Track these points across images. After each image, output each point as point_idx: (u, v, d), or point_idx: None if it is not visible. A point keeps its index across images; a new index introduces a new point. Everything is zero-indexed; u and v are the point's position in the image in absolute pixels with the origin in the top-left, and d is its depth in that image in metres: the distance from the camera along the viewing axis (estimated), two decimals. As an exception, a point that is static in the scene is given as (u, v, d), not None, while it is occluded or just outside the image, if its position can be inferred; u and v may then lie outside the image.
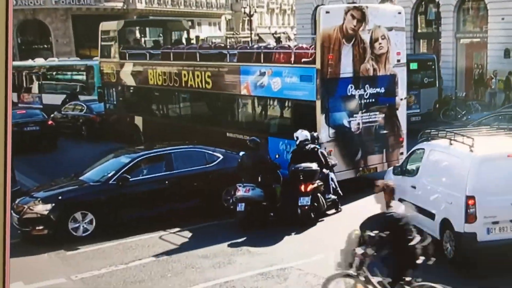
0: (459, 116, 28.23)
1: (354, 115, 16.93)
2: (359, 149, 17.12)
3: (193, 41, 29.00)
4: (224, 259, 12.52)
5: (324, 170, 15.22)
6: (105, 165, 15.80)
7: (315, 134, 15.83)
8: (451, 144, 12.45)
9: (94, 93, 30.52)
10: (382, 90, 17.32)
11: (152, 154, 16.25)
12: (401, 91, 17.73)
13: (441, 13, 37.20)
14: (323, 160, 15.15)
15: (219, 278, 11.51)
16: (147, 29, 29.05)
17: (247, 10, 41.26)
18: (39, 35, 58.56)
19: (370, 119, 17.22)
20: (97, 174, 15.36)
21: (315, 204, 14.65)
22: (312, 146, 15.35)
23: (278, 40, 20.33)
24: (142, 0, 61.86)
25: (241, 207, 14.58)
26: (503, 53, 34.03)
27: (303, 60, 17.28)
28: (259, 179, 14.95)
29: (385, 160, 17.53)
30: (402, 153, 17.53)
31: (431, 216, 12.39)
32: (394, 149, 17.69)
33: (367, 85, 17.01)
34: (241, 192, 14.66)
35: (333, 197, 15.35)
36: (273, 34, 37.11)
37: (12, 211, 14.09)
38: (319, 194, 14.81)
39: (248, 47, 20.78)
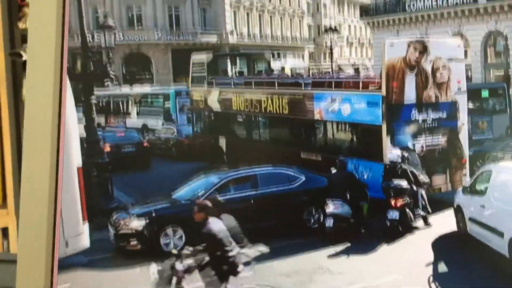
0: None
1: (418, 138, 17.58)
2: (423, 170, 17.53)
3: (278, 71, 30.00)
4: (305, 278, 12.77)
5: (414, 187, 15.76)
6: (196, 184, 16.29)
7: (405, 154, 16.62)
8: None
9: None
10: (444, 115, 18.05)
11: (239, 175, 16.54)
12: (462, 116, 18.45)
13: (509, 45, 36.98)
14: (412, 178, 15.77)
15: None
16: (234, 60, 30.28)
17: (327, 43, 41.98)
18: (141, 66, 61.32)
19: (433, 142, 17.88)
20: (188, 192, 15.88)
21: (403, 218, 15.23)
22: (403, 165, 16.12)
23: (356, 70, 21.03)
24: (234, 34, 63.89)
25: (330, 222, 15.24)
26: None
27: (370, 87, 17.88)
28: (348, 197, 15.55)
29: (448, 180, 18.09)
30: (465, 175, 18.09)
31: (501, 234, 12.49)
32: (457, 171, 18.22)
33: (429, 110, 17.78)
34: (330, 208, 15.28)
35: (422, 213, 15.86)
36: (352, 64, 37.89)
37: (109, 226, 15.13)
38: (407, 210, 15.33)
39: (320, 77, 21.61)
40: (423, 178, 16.54)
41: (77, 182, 12.13)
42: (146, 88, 43.32)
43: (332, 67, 43.44)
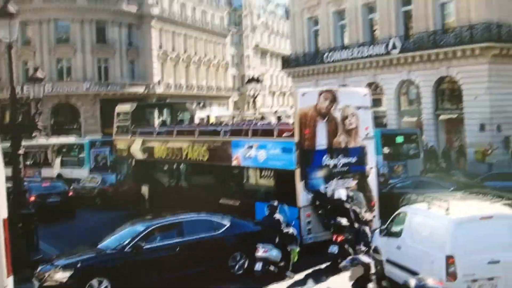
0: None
1: (329, 182, 18.13)
2: (334, 213, 17.77)
3: (203, 120, 30.38)
4: None
5: (356, 224, 16.35)
6: (122, 233, 15.86)
7: (351, 194, 17.41)
8: (429, 208, 13.15)
9: (85, 166, 34.36)
10: (354, 160, 18.71)
11: (164, 223, 16.04)
12: (370, 160, 19.08)
13: (420, 93, 38.70)
14: (353, 217, 16.33)
15: None
16: (157, 110, 30.55)
17: (251, 93, 42.77)
18: (70, 117, 60.80)
19: (344, 185, 18.30)
20: (114, 242, 15.39)
21: (342, 253, 15.60)
22: (346, 204, 16.73)
23: (279, 118, 21.44)
24: (160, 85, 64.17)
25: (258, 266, 15.41)
26: (478, 127, 34.93)
27: (284, 134, 18.36)
28: (276, 241, 15.77)
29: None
30: (374, 216, 18.64)
31: (416, 274, 12.35)
32: (366, 213, 18.43)
33: (340, 156, 18.42)
34: (260, 252, 15.45)
35: (363, 248, 16.08)
36: (274, 112, 38.49)
37: (34, 279, 14.48)
38: (346, 245, 15.84)
39: (238, 125, 22.06)
40: (366, 216, 17.09)
41: (2, 234, 11.80)
42: (62, 139, 43.24)
43: (255, 115, 44.35)
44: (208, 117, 34.55)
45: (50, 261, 15.13)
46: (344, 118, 18.47)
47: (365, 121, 18.94)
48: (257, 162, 19.36)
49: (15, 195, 16.85)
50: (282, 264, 15.60)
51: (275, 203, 16.39)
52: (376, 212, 18.71)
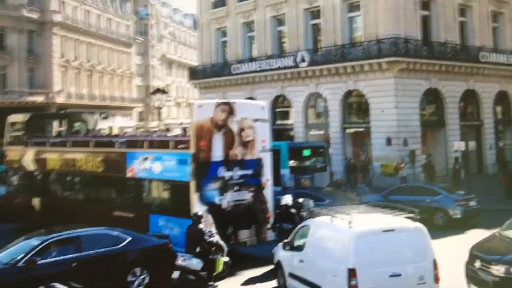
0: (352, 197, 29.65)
1: (225, 194, 18.98)
2: (229, 224, 19.01)
3: (105, 131, 30.49)
4: None
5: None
6: (15, 247, 15.74)
7: (300, 200, 19.11)
8: (332, 221, 13.81)
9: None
10: (250, 172, 19.65)
11: (61, 237, 15.97)
12: (267, 173, 20.10)
13: (328, 106, 40.32)
14: (298, 221, 17.60)
15: None
16: (53, 120, 30.61)
17: (156, 104, 43.34)
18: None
19: (239, 198, 19.29)
20: (7, 256, 15.23)
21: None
22: (292, 210, 18.29)
23: (184, 130, 21.89)
24: (61, 95, 63.52)
25: (175, 274, 16.05)
26: (385, 141, 36.61)
27: (179, 146, 19.13)
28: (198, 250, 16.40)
29: (253, 235, 19.51)
30: (269, 229, 19.60)
31: None
32: (262, 225, 19.72)
33: (236, 168, 19.32)
34: (179, 261, 16.11)
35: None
36: (179, 124, 39.15)
37: None
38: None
39: (134, 136, 22.61)
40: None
41: None
42: None
43: (159, 127, 44.95)
44: (110, 128, 34.75)
45: None
46: (241, 130, 19.39)
47: (263, 134, 19.93)
48: (152, 173, 20.02)
49: None
50: (204, 273, 16.13)
51: (199, 213, 16.97)
52: (270, 225, 19.49)
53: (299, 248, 14.73)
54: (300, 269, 14.40)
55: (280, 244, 16.20)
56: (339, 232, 13.26)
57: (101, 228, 16.83)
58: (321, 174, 31.66)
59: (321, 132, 42.28)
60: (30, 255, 14.84)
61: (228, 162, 19.11)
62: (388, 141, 36.92)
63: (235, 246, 19.07)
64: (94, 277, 15.46)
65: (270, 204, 19.93)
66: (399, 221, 13.64)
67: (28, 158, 26.29)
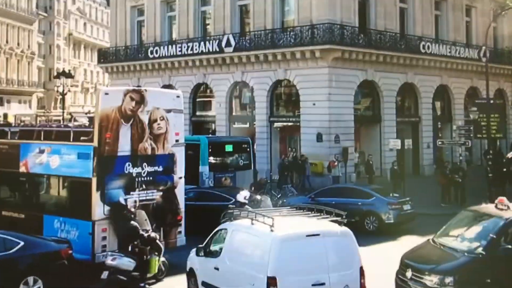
0: (275, 199, 29.84)
1: (131, 193, 18.75)
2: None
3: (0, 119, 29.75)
4: None
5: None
6: None
7: (259, 197, 20.58)
8: (252, 224, 13.69)
9: None
10: (160, 169, 19.54)
11: None
12: (180, 169, 20.00)
13: (255, 97, 40.43)
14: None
15: None
16: None
17: (60, 89, 42.49)
18: None
19: (147, 197, 19.12)
20: None
21: None
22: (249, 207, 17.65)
23: (90, 120, 21.39)
24: None
25: (104, 275, 16.10)
26: (315, 137, 36.94)
27: (81, 138, 18.87)
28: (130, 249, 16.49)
29: (162, 238, 19.19)
30: (180, 232, 19.70)
31: None
32: (172, 228, 19.66)
33: (145, 164, 19.15)
34: (108, 260, 16.19)
35: None
36: (86, 113, 38.49)
37: None
38: None
39: (29, 126, 22.04)
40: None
41: None
42: None
43: (63, 115, 44.00)
44: (5, 115, 33.96)
45: None
46: (153, 121, 19.23)
47: (176, 126, 19.82)
48: (48, 169, 19.61)
49: None
50: (136, 274, 16.25)
51: (132, 209, 17.28)
52: (182, 228, 19.70)
53: (215, 254, 14.67)
54: (215, 277, 14.35)
55: (194, 250, 16.15)
56: (259, 236, 13.23)
57: None
58: (244, 173, 31.75)
59: (246, 125, 42.38)
60: None
61: (136, 157, 18.91)
62: (319, 137, 37.31)
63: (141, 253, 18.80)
64: None
65: (182, 205, 19.87)
66: (325, 225, 13.63)
67: None
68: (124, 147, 18.65)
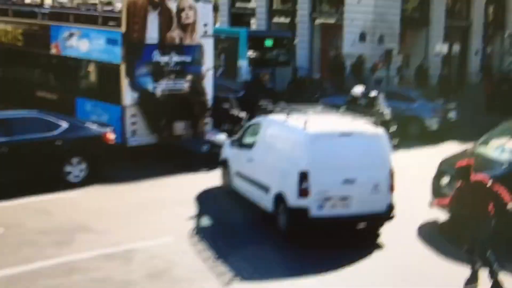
0: (315, 97, 29.53)
1: (159, 81, 19.70)
2: (163, 115, 19.86)
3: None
4: (65, 237, 13.13)
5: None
6: None
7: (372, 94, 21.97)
8: (287, 120, 14.35)
9: None
10: (188, 59, 20.33)
11: None
12: (208, 61, 20.79)
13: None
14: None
15: (59, 257, 11.97)
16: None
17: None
18: None
19: (175, 87, 20.03)
20: None
21: None
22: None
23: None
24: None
25: (204, 148, 19.69)
26: (358, 36, 36.88)
27: (109, 23, 19.83)
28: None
29: (189, 128, 20.40)
30: (207, 123, 20.66)
31: (266, 189, 14.17)
32: (199, 118, 20.60)
33: (173, 53, 19.94)
34: (208, 135, 20.11)
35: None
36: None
37: None
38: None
39: (59, 7, 22.91)
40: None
41: None
42: None
43: None
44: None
45: None
46: (180, 10, 19.82)
47: (205, 16, 20.41)
48: (79, 52, 20.56)
49: None
50: None
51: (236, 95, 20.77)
52: (209, 119, 20.69)
53: (249, 146, 15.50)
54: (249, 168, 15.22)
55: (228, 141, 17.16)
56: (293, 132, 13.89)
57: (33, 111, 17.42)
58: (283, 69, 32.10)
59: (287, 20, 42.30)
60: None
61: (164, 46, 19.65)
62: (362, 37, 37.09)
63: (168, 140, 20.01)
64: (26, 164, 16.26)
65: (209, 97, 20.74)
66: (358, 125, 14.09)
67: None
68: (152, 35, 19.40)
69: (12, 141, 16.10)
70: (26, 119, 16.92)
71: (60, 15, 21.85)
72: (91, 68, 20.70)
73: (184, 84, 20.18)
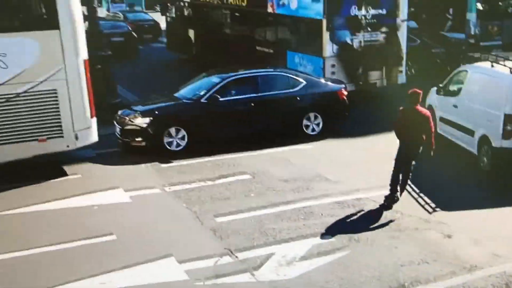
0: None
1: (357, 34, 23.00)
2: (360, 65, 23.20)
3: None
4: (303, 184, 14.91)
5: None
6: (198, 83, 19.25)
7: None
8: (492, 66, 15.45)
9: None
10: (384, 11, 23.29)
11: (240, 76, 19.26)
12: (403, 12, 23.53)
13: None
14: None
15: (298, 202, 13.76)
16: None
17: None
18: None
19: (372, 38, 23.22)
20: (190, 92, 18.76)
21: None
22: None
23: None
24: None
25: None
26: None
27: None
28: None
29: (384, 76, 23.61)
30: (401, 72, 23.69)
31: (471, 133, 15.48)
32: (393, 67, 23.67)
33: (369, 7, 23.02)
34: None
35: None
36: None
37: (115, 122, 18.08)
38: None
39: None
40: None
41: (84, 75, 15.28)
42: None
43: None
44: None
45: (129, 106, 18.93)
46: None
47: None
48: (289, 10, 24.17)
49: (92, 36, 19.39)
50: None
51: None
52: (403, 67, 23.60)
53: (454, 93, 17.00)
54: (453, 113, 16.66)
55: (434, 89, 18.72)
56: (498, 77, 14.93)
57: (278, 69, 20.52)
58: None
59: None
60: (212, 92, 18.27)
61: (361, 1, 22.66)
62: None
63: (364, 87, 23.23)
64: (270, 118, 18.88)
65: (403, 47, 23.53)
66: None
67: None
68: None
69: (259, 96, 18.76)
70: (272, 76, 19.63)
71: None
72: (299, 24, 24.02)
73: (380, 36, 23.11)
